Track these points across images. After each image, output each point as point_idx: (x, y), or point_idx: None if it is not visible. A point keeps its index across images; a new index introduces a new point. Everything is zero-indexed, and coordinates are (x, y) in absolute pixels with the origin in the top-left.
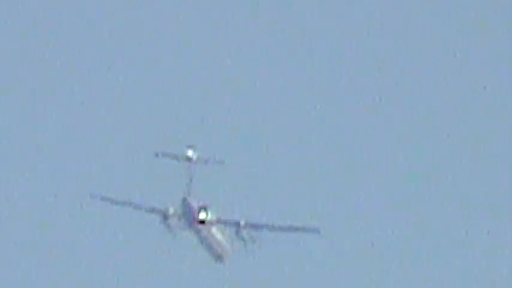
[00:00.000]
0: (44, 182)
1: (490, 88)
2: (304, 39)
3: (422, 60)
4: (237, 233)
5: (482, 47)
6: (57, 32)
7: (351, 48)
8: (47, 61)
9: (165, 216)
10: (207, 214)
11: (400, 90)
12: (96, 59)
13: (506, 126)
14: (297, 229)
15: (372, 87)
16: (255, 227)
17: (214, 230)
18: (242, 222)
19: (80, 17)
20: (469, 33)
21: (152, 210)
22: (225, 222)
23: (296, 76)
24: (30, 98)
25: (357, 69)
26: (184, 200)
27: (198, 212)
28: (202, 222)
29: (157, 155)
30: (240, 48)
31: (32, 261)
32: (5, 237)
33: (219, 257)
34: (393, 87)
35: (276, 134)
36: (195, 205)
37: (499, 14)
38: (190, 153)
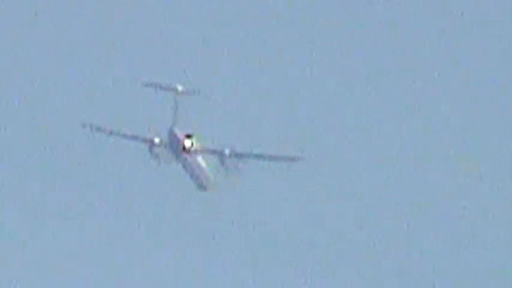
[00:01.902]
0: (33, 111)
1: None
2: None
3: None
4: (222, 162)
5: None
6: None
7: None
8: None
9: (152, 145)
10: (192, 142)
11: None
12: None
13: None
14: (280, 158)
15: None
16: (240, 156)
17: (199, 159)
18: (227, 151)
19: None
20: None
21: (139, 139)
22: (210, 151)
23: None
24: (25, 27)
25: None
26: (170, 129)
27: (184, 140)
28: (187, 151)
29: (145, 85)
30: None
31: (23, 189)
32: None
33: (202, 186)
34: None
35: (261, 64)
36: (180, 134)
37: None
38: (177, 85)
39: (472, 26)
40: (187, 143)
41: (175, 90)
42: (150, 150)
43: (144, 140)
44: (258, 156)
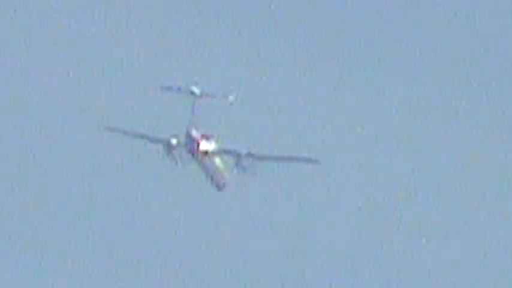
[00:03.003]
0: (50, 112)
1: None
2: None
3: None
4: (238, 163)
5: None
6: None
7: None
8: None
9: (169, 147)
10: (209, 144)
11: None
12: None
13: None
14: (297, 160)
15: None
16: (256, 157)
17: (216, 159)
18: (243, 152)
19: None
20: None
21: (157, 140)
22: (227, 152)
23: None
24: (34, 25)
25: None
26: (187, 131)
27: (201, 142)
28: (204, 152)
29: (162, 88)
30: None
31: (38, 189)
32: (10, 165)
33: (219, 186)
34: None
35: (277, 68)
36: (197, 136)
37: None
38: (194, 88)
39: (472, 26)
40: (204, 144)
41: (192, 92)
42: (167, 151)
43: (162, 141)
44: (275, 158)
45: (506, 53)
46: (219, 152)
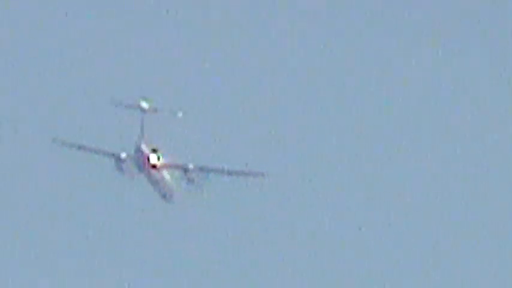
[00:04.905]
0: (2, 126)
1: None
2: None
3: None
4: (186, 176)
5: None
6: None
7: None
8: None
9: (119, 160)
10: (158, 158)
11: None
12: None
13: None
14: (243, 173)
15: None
16: (203, 170)
17: (164, 172)
18: (191, 166)
19: None
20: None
21: (106, 154)
22: (175, 166)
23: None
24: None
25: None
26: (136, 145)
27: (149, 156)
28: (153, 166)
29: (112, 103)
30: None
31: None
32: None
33: (167, 197)
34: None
35: (225, 81)
36: (146, 150)
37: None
38: (143, 103)
39: (472, 27)
40: (153, 158)
41: (141, 107)
42: (117, 164)
43: (112, 155)
44: (221, 171)
45: None
46: (167, 166)
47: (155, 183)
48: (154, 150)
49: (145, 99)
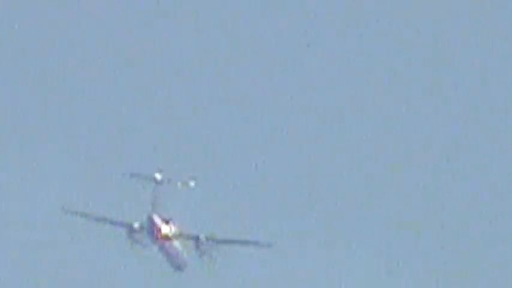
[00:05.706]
0: (12, 195)
1: None
2: None
3: None
4: (197, 246)
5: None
6: None
7: None
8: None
9: (131, 230)
10: (170, 229)
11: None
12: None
13: None
14: (251, 243)
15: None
16: (215, 241)
17: (175, 243)
18: (202, 237)
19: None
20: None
21: (119, 224)
22: (186, 236)
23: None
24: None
25: None
26: (149, 215)
27: (162, 227)
28: (165, 236)
29: (125, 175)
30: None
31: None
32: None
33: (178, 267)
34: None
35: (234, 151)
36: (158, 221)
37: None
38: (157, 175)
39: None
40: (165, 229)
41: (154, 179)
42: (129, 234)
43: (124, 225)
44: (231, 242)
45: None
46: (179, 236)
47: (167, 253)
48: (166, 221)
49: (160, 171)
